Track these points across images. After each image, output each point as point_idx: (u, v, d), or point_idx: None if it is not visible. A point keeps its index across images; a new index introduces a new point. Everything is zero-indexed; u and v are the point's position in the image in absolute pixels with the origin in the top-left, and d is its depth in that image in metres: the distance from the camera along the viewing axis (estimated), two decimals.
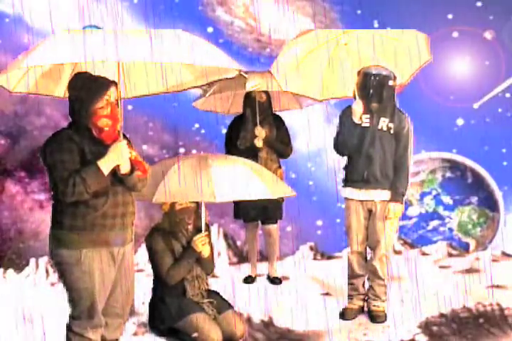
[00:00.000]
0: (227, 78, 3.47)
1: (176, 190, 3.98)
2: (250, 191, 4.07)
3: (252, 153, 5.21)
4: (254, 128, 5.43)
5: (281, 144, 5.57)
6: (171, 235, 4.21)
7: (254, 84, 5.33)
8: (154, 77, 3.57)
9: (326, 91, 5.07)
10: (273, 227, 5.64)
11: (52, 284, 6.49)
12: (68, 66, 3.57)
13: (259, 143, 5.41)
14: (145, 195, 3.88)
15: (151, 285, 4.31)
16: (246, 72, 5.12)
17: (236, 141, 5.49)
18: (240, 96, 5.68)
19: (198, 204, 4.22)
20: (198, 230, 4.20)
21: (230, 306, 4.28)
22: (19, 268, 7.22)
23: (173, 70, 3.54)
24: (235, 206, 5.63)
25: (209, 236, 4.21)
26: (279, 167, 5.57)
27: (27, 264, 7.17)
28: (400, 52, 4.90)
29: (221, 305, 4.25)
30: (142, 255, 6.76)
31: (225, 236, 7.77)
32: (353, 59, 4.85)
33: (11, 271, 7.07)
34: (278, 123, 5.62)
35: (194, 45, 3.25)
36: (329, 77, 5.04)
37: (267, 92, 5.52)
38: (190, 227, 4.24)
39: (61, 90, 3.62)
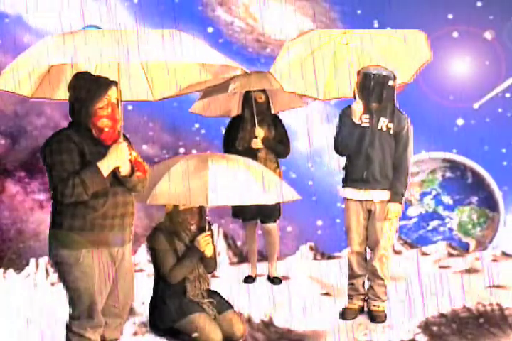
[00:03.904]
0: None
1: (169, 193, 3.96)
2: (247, 196, 4.05)
3: (250, 154, 5.19)
4: (252, 129, 5.43)
5: (279, 144, 5.56)
6: (173, 235, 4.20)
7: (234, 86, 5.33)
8: (177, 77, 3.57)
9: (329, 91, 5.07)
10: (272, 227, 5.62)
11: (52, 284, 6.49)
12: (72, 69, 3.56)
13: (257, 143, 5.41)
14: (142, 197, 3.88)
15: (151, 285, 4.31)
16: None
17: (234, 142, 5.48)
18: (234, 97, 5.69)
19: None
20: (200, 230, 4.20)
21: (230, 306, 4.28)
22: (19, 268, 7.23)
23: (192, 70, 3.54)
24: (233, 205, 5.62)
25: (212, 235, 4.21)
26: (278, 167, 5.56)
27: (27, 264, 7.18)
28: (400, 51, 4.90)
29: (221, 305, 4.25)
30: (142, 255, 6.78)
31: (225, 236, 7.77)
32: (354, 59, 4.85)
33: (11, 271, 7.08)
34: (276, 123, 5.61)
35: (200, 45, 3.27)
36: (333, 77, 5.04)
37: (265, 93, 5.52)
38: (193, 227, 4.24)
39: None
